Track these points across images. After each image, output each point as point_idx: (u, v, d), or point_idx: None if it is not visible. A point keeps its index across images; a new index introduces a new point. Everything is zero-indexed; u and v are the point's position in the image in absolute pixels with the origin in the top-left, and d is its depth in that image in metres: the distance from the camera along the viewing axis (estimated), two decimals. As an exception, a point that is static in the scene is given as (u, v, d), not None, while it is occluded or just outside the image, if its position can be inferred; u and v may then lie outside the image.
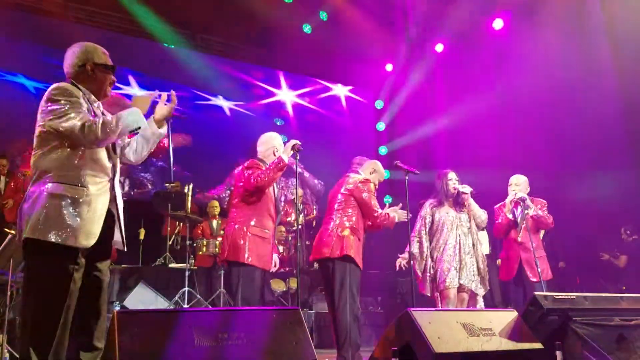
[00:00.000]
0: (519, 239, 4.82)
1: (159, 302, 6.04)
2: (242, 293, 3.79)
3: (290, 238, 7.70)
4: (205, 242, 6.67)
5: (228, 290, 5.58)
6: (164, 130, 2.82)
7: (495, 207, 5.09)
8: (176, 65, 8.43)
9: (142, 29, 8.08)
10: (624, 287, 6.70)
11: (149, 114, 2.74)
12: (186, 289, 6.03)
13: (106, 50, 2.73)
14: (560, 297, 3.23)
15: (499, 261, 5.64)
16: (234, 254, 3.85)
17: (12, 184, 7.02)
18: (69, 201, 2.43)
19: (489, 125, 8.01)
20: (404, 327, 2.92)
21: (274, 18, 8.28)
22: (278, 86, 10.07)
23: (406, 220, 4.42)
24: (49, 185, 2.44)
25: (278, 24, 8.43)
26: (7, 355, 3.85)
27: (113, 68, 2.71)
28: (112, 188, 2.63)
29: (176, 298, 6.04)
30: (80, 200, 2.45)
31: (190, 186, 7.11)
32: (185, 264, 6.22)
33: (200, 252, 6.67)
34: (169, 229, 7.14)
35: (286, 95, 10.17)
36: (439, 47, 8.97)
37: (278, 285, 7.06)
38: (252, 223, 3.91)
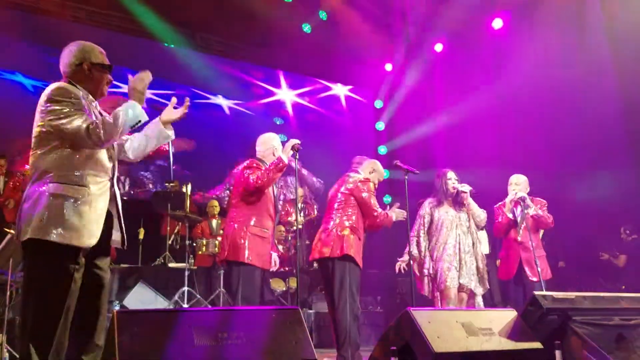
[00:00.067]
0: (519, 239, 4.82)
1: (159, 302, 6.04)
2: (243, 292, 3.79)
3: (290, 238, 7.70)
4: (204, 241, 6.67)
5: (228, 289, 5.58)
6: (172, 133, 2.78)
7: (495, 206, 5.09)
8: (176, 64, 8.42)
9: (141, 28, 8.07)
10: (623, 287, 6.70)
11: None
12: (186, 288, 6.03)
13: (103, 50, 2.72)
14: (559, 296, 3.22)
15: (498, 261, 5.64)
16: (234, 253, 3.85)
17: (11, 183, 7.01)
18: (71, 201, 2.43)
19: (488, 124, 8.01)
20: (404, 327, 2.92)
21: (273, 17, 8.27)
22: (278, 85, 10.07)
23: (403, 219, 4.42)
24: (50, 185, 2.43)
25: (278, 24, 8.42)
26: (6, 354, 3.85)
27: (110, 67, 2.70)
28: (112, 187, 2.63)
29: (176, 298, 6.04)
30: (82, 200, 2.45)
31: (189, 186, 7.10)
32: (184, 264, 6.22)
33: (200, 252, 6.67)
34: (168, 228, 7.14)
35: (286, 95, 10.17)
36: (439, 47, 8.97)
37: (278, 285, 7.05)
38: (252, 223, 3.92)
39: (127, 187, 8.61)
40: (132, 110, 2.51)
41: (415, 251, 4.71)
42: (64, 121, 2.43)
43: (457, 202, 4.80)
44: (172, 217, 6.93)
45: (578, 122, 6.87)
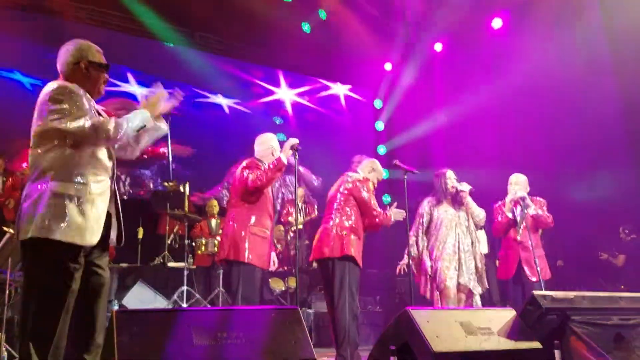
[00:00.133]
0: (518, 238, 4.82)
1: (158, 302, 6.04)
2: (243, 292, 3.79)
3: (290, 237, 7.70)
4: (204, 241, 6.67)
5: (227, 289, 5.58)
6: (164, 126, 2.76)
7: (495, 206, 5.09)
8: (175, 63, 8.41)
9: (141, 27, 8.07)
10: (622, 287, 6.71)
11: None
12: (185, 288, 6.02)
13: (101, 49, 2.71)
14: (558, 296, 3.22)
15: (497, 261, 5.64)
16: (234, 253, 3.85)
17: (10, 182, 7.00)
18: (74, 200, 2.43)
19: (488, 124, 8.02)
20: (403, 326, 2.92)
21: (273, 17, 8.27)
22: (277, 85, 10.06)
23: (402, 219, 4.42)
24: (52, 183, 2.43)
25: (277, 23, 8.42)
26: (5, 353, 3.84)
27: (107, 66, 2.69)
28: (112, 186, 2.62)
29: (175, 297, 6.03)
30: (84, 198, 2.45)
31: (187, 186, 7.09)
32: (184, 263, 6.21)
33: (199, 252, 6.66)
34: (167, 227, 7.13)
35: (285, 94, 10.17)
36: (438, 47, 8.97)
37: (277, 285, 7.05)
38: (252, 222, 3.92)
39: (127, 186, 8.60)
40: (142, 115, 2.57)
41: (414, 250, 4.71)
42: (67, 120, 2.43)
43: (457, 201, 4.80)
44: (171, 216, 6.93)
45: (578, 122, 6.87)
